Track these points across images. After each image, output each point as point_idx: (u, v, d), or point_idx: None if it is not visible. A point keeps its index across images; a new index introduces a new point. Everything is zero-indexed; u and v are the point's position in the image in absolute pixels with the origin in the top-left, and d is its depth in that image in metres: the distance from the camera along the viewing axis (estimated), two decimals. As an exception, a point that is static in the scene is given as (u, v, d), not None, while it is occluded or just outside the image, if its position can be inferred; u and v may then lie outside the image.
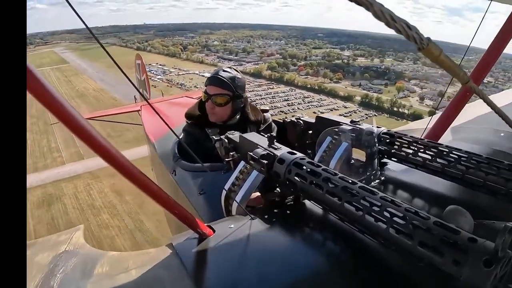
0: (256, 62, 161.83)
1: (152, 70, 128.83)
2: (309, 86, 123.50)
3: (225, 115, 2.87)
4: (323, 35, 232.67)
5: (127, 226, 26.57)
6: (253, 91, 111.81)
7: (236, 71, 2.92)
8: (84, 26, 0.99)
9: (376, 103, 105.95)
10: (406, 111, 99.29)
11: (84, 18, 0.95)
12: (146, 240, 24.50)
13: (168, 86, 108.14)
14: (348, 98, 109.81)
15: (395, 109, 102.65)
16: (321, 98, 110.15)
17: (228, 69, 2.89)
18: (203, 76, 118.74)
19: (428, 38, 0.62)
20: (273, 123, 3.26)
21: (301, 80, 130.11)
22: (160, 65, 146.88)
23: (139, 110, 7.42)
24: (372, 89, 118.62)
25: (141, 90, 9.99)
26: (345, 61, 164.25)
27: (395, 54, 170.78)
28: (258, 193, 1.82)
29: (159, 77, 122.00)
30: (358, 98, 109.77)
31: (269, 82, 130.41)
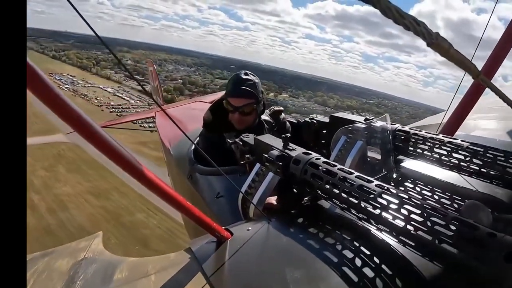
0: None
1: (62, 79, 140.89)
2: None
3: (250, 121, 2.85)
4: (235, 67, 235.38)
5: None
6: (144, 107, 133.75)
7: (253, 75, 2.89)
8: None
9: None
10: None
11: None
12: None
13: (73, 95, 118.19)
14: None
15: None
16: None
17: (246, 76, 2.84)
18: (105, 90, 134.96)
19: (437, 33, 0.62)
20: (287, 123, 3.25)
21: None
22: (70, 75, 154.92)
23: (154, 116, 7.49)
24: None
25: (154, 97, 10.08)
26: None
27: (294, 91, 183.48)
28: (274, 195, 1.82)
29: (66, 86, 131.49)
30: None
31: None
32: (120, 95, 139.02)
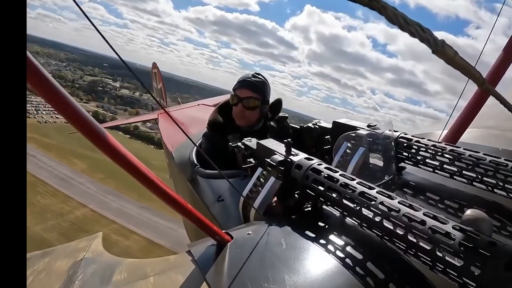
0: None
1: None
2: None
3: (253, 119, 2.90)
4: (107, 65, 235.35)
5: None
6: None
7: (263, 77, 2.96)
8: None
9: (102, 118, 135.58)
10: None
11: None
12: None
13: None
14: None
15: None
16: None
17: (257, 75, 2.94)
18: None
19: (442, 40, 0.62)
20: (291, 131, 3.26)
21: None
22: None
23: (156, 118, 7.51)
24: (110, 110, 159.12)
25: (158, 99, 10.12)
26: (106, 89, 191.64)
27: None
28: (276, 200, 1.82)
29: None
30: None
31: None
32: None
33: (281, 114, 3.21)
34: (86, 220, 46.43)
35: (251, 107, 2.83)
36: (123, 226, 46.62)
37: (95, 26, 0.95)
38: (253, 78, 2.87)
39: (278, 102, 3.16)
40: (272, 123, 3.10)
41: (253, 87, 2.84)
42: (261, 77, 2.92)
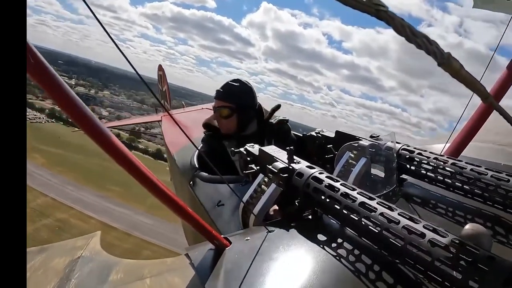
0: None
1: None
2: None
3: (231, 127, 2.93)
4: (62, 62, 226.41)
5: None
6: None
7: (244, 82, 2.99)
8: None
9: (58, 115, 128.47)
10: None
11: None
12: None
13: None
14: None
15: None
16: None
17: (235, 81, 2.97)
18: None
19: (449, 53, 0.62)
20: (293, 135, 3.26)
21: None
22: None
23: (160, 120, 7.54)
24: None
25: (162, 101, 10.13)
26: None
27: (116, 89, 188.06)
28: (276, 207, 1.81)
29: None
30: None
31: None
32: None
33: (281, 117, 3.22)
34: (47, 206, 48.41)
35: (224, 116, 2.90)
36: (81, 212, 48.52)
37: (112, 39, 0.95)
38: (225, 87, 2.94)
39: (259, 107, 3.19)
40: (270, 127, 3.12)
41: (223, 96, 2.92)
42: (236, 83, 2.97)
